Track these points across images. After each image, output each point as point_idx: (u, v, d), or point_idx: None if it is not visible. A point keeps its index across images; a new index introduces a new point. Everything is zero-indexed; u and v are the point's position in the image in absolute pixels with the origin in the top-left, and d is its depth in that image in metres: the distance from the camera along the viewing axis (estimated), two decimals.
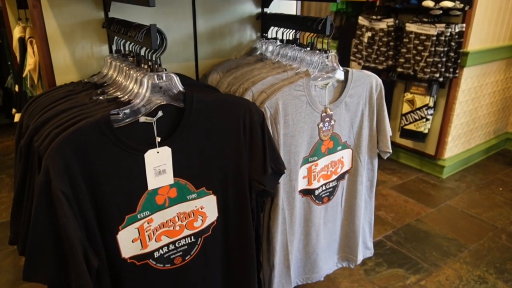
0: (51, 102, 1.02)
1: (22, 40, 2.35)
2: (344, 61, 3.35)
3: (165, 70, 0.96)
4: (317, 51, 1.27)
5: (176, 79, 0.97)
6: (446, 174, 2.95)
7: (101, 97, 0.98)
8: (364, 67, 2.91)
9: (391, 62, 2.77)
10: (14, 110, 2.57)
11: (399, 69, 2.70)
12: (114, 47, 1.27)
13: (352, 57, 3.04)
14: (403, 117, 2.84)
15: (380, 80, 1.36)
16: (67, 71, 1.25)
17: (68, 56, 1.24)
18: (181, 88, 0.97)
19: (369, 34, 2.82)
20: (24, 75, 2.22)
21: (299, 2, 1.66)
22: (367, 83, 1.33)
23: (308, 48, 1.31)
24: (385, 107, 1.39)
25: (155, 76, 0.94)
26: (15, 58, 2.61)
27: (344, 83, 1.29)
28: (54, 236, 0.83)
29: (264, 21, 1.56)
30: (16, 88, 2.54)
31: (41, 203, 0.81)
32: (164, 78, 0.95)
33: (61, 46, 1.22)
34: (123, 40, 1.16)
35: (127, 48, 1.18)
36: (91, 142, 0.85)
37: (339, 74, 1.28)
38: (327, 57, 1.26)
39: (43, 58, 1.22)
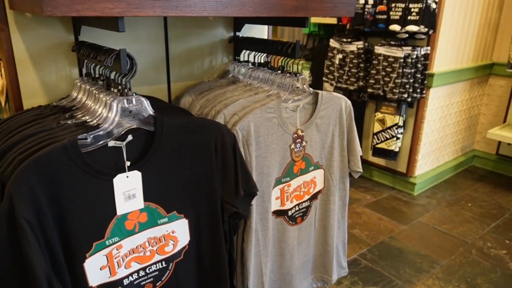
0: (18, 127, 0.99)
1: None
2: (318, 82, 3.43)
3: (135, 94, 0.96)
4: (288, 74, 1.30)
5: (146, 103, 0.97)
6: (418, 191, 3.03)
7: (69, 121, 0.97)
8: (336, 88, 2.98)
9: (362, 83, 2.85)
10: None
11: (369, 90, 2.79)
12: (84, 70, 1.26)
13: (324, 78, 3.12)
14: (375, 136, 2.92)
15: (349, 102, 1.40)
16: (35, 95, 1.23)
17: (36, 80, 1.22)
18: (151, 111, 0.97)
19: (340, 56, 2.90)
20: None
21: (271, 27, 1.70)
22: (336, 104, 1.36)
23: (279, 71, 1.34)
24: (355, 128, 1.43)
25: (125, 100, 0.94)
26: None
27: (314, 105, 1.32)
28: (18, 266, 0.80)
29: (236, 45, 1.59)
30: None
31: (3, 232, 0.78)
32: (134, 102, 0.95)
33: (29, 69, 1.20)
34: (93, 64, 1.16)
35: (97, 72, 1.17)
36: (58, 168, 0.84)
37: (309, 97, 1.31)
38: (297, 80, 1.29)
39: (10, 81, 1.19)
